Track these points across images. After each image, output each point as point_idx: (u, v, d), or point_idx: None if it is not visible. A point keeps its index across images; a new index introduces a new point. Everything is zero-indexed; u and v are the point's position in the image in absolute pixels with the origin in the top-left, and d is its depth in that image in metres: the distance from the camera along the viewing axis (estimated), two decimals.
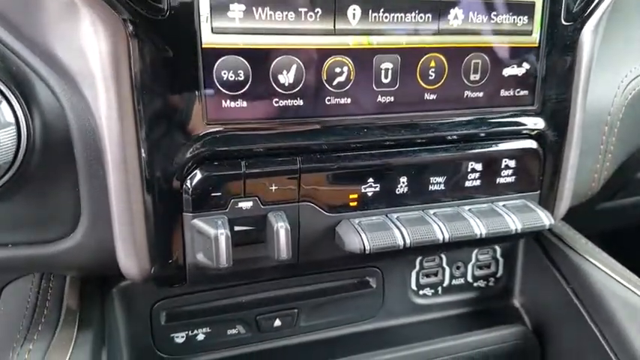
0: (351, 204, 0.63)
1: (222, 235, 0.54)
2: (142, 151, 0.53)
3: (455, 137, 0.65)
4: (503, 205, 0.69)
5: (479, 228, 0.64)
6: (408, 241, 0.61)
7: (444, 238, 0.63)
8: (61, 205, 0.55)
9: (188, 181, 0.55)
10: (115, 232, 0.56)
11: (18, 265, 0.57)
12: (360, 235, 0.60)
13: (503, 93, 0.67)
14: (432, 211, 0.66)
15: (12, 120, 0.50)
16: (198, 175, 0.55)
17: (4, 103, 0.50)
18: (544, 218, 0.68)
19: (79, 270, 0.63)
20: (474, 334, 0.87)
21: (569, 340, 0.86)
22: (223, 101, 0.55)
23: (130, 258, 0.57)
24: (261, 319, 0.79)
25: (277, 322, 0.80)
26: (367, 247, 0.59)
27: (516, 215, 0.67)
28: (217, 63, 0.53)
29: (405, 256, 0.79)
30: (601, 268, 0.84)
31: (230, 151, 0.56)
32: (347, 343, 0.83)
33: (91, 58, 0.50)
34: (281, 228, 0.57)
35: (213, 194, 0.56)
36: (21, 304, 0.66)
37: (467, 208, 0.68)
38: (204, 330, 0.77)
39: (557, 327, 0.88)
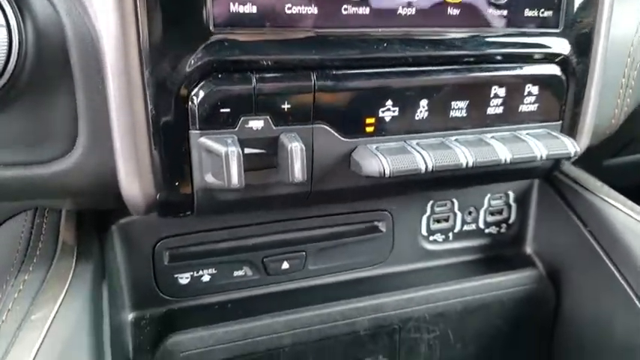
0: (368, 129, 0.59)
1: (233, 152, 0.50)
2: (144, 58, 0.48)
3: (477, 57, 0.61)
4: (527, 134, 0.66)
5: (504, 153, 0.61)
6: (430, 165, 0.57)
7: (467, 163, 0.59)
8: (57, 121, 0.50)
9: (194, 95, 0.50)
10: (116, 152, 0.51)
11: (8, 188, 0.52)
12: (379, 158, 0.56)
13: (528, 13, 0.63)
14: (453, 138, 0.62)
15: (2, 22, 0.45)
16: (205, 88, 0.50)
17: None
18: (569, 145, 0.65)
19: (77, 196, 0.58)
20: (487, 277, 0.84)
21: (586, 282, 0.83)
22: (231, 4, 0.50)
23: (133, 180, 0.52)
24: (269, 261, 0.75)
25: (285, 265, 0.77)
26: (387, 170, 0.55)
27: (541, 141, 0.64)
28: None
29: (422, 190, 0.75)
30: (620, 208, 0.81)
31: (239, 62, 0.51)
32: (356, 287, 0.80)
33: None
34: (295, 147, 0.52)
35: (221, 110, 0.51)
36: (14, 241, 0.62)
37: (489, 135, 0.64)
38: (209, 271, 0.73)
39: (572, 271, 0.86)
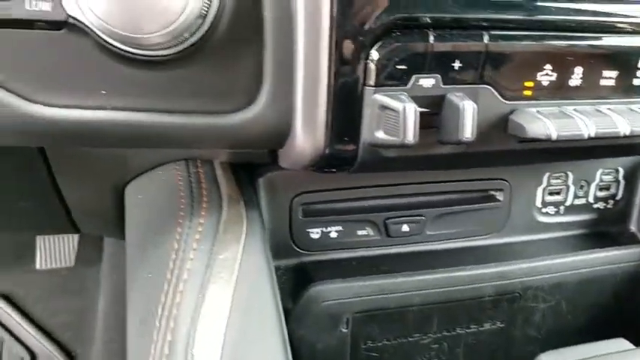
0: (526, 92, 0.59)
1: (410, 108, 0.51)
2: (334, 14, 0.50)
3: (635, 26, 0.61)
4: None
5: None
6: (592, 132, 0.57)
7: (624, 132, 0.59)
8: (244, 72, 0.53)
9: (374, 52, 0.52)
10: (295, 106, 0.54)
11: (187, 135, 0.55)
12: (544, 121, 0.57)
13: None
14: (604, 107, 0.62)
15: None
16: (384, 45, 0.52)
17: None
18: None
19: (245, 147, 0.61)
20: (600, 252, 0.84)
21: None
22: None
23: (307, 134, 0.55)
24: (390, 222, 0.78)
25: (405, 228, 0.79)
26: (553, 134, 0.56)
27: None
28: None
29: (559, 159, 0.76)
30: None
31: (419, 20, 0.52)
32: (474, 254, 0.82)
33: None
34: (467, 106, 0.53)
35: (397, 67, 0.53)
36: (171, 188, 0.65)
37: (635, 106, 0.64)
38: (336, 228, 0.76)
39: None
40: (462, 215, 0.82)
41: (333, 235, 0.76)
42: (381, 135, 0.55)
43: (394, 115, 0.52)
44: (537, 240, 0.87)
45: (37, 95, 0.50)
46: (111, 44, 0.48)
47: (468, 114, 0.54)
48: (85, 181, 0.78)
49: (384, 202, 0.78)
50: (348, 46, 0.51)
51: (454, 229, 0.82)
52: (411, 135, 0.52)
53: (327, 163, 0.58)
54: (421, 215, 0.79)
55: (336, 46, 0.51)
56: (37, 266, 1.51)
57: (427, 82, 0.54)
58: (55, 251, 1.53)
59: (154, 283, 0.56)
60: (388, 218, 0.78)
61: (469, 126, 0.54)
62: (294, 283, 0.72)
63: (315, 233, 0.75)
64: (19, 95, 0.49)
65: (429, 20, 0.53)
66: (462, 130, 0.54)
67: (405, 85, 0.54)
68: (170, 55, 0.49)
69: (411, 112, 0.51)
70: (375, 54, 0.52)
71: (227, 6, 0.49)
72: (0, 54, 0.48)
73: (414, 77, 0.54)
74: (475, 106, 0.54)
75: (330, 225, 0.76)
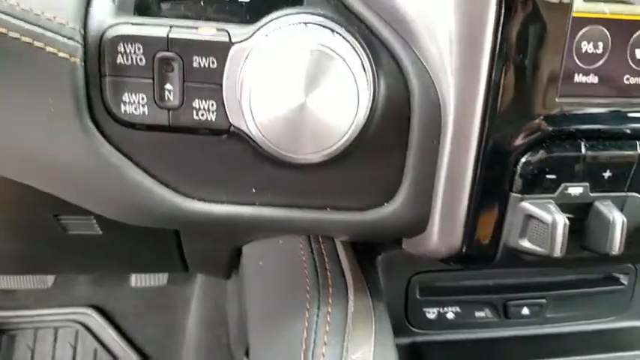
0: None
1: (560, 221, 0.50)
2: (486, 124, 0.49)
3: None
4: None
5: None
6: None
7: None
8: (385, 172, 0.53)
9: (524, 160, 0.51)
10: (434, 208, 0.54)
11: (326, 227, 0.56)
12: None
13: None
14: None
15: (370, 87, 0.48)
16: (537, 155, 0.51)
17: (361, 69, 0.48)
18: None
19: (380, 237, 0.62)
20: None
21: None
22: (576, 75, 0.50)
23: (444, 235, 0.55)
24: (510, 305, 0.76)
25: (525, 311, 0.76)
26: None
27: None
28: (580, 33, 0.48)
29: None
30: None
31: (573, 131, 0.51)
32: (591, 339, 0.78)
33: (451, 18, 0.47)
34: (618, 219, 0.51)
35: (547, 176, 0.52)
36: (293, 260, 0.66)
37: None
38: (454, 309, 0.75)
39: None
40: (582, 297, 0.78)
41: (450, 315, 0.75)
42: (525, 243, 0.54)
43: (542, 227, 0.51)
44: None
45: (194, 192, 0.53)
46: (267, 152, 0.50)
47: (618, 228, 0.51)
48: (207, 242, 0.82)
49: (504, 282, 0.76)
50: (497, 156, 0.51)
51: (574, 312, 0.79)
52: (559, 248, 0.51)
53: (462, 261, 0.58)
54: (543, 298, 0.77)
55: (484, 154, 0.51)
56: (132, 284, 1.59)
57: (575, 190, 0.53)
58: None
59: None
60: (508, 300, 0.76)
61: (618, 240, 0.52)
62: None
63: (432, 313, 0.75)
64: (178, 192, 0.53)
65: (582, 132, 0.51)
66: (610, 243, 0.52)
67: (553, 193, 0.53)
68: (318, 161, 0.51)
69: (561, 225, 0.50)
70: (524, 163, 0.51)
71: (376, 114, 0.50)
72: (164, 155, 0.51)
73: (562, 186, 0.52)
74: (625, 220, 0.52)
75: (447, 305, 0.75)
